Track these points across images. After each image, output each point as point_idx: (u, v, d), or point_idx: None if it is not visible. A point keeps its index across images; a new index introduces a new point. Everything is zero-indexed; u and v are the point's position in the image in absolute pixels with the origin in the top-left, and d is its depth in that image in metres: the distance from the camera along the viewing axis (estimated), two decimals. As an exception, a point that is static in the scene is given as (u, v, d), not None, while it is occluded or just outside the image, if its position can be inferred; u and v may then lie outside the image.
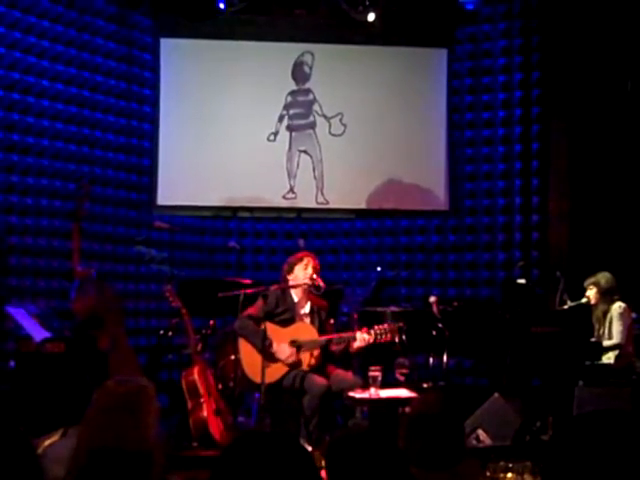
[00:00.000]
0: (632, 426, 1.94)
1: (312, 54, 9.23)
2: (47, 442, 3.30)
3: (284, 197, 9.17)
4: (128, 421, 2.76)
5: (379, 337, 5.89)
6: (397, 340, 5.98)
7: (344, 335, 6.07)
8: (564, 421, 2.04)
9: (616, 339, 6.91)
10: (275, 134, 9.18)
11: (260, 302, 6.16)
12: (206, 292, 7.05)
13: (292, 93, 9.24)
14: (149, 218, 8.57)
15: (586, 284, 7.15)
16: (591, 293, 7.09)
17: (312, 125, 9.25)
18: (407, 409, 5.24)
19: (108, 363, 6.29)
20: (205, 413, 6.16)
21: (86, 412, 2.82)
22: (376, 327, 5.93)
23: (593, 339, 6.97)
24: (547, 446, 2.03)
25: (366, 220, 9.35)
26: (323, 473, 2.38)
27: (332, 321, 6.60)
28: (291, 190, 9.16)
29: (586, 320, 7.02)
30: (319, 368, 6.04)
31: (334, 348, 6.08)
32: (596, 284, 7.08)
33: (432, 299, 7.08)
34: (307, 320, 6.21)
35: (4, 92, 7.50)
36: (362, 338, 5.89)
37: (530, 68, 8.88)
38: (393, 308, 7.54)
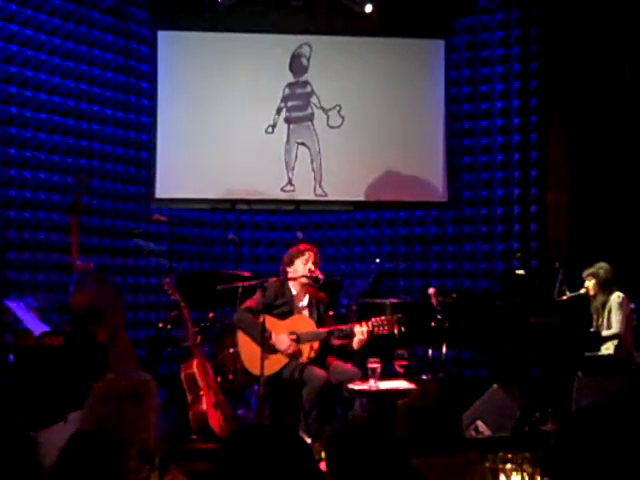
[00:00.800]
0: (632, 418, 1.95)
1: (310, 46, 9.21)
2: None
3: (282, 189, 9.16)
4: (129, 415, 2.76)
5: (376, 329, 5.88)
6: (396, 332, 5.98)
7: (342, 327, 6.07)
8: (567, 414, 2.04)
9: (615, 329, 6.91)
10: (273, 126, 9.17)
11: (258, 294, 6.16)
12: (205, 285, 7.05)
13: (290, 85, 9.23)
14: (147, 211, 8.57)
15: (584, 275, 7.15)
16: (590, 284, 7.10)
17: (310, 117, 9.24)
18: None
19: (107, 356, 6.28)
20: (204, 406, 6.16)
21: (86, 404, 2.83)
22: (373, 319, 5.92)
23: (592, 329, 6.98)
24: (551, 439, 2.04)
25: (365, 212, 9.35)
26: (323, 465, 2.38)
27: (331, 313, 6.59)
28: (289, 182, 9.15)
29: (585, 311, 7.03)
30: (318, 360, 6.04)
31: (336, 342, 6.07)
32: (595, 275, 7.08)
33: (431, 290, 7.08)
34: (305, 313, 6.20)
35: (1, 85, 7.49)
36: (360, 332, 5.88)
37: (528, 59, 8.87)
38: (392, 300, 7.54)
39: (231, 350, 6.56)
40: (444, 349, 6.84)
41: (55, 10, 7.91)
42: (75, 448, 2.39)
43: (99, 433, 2.46)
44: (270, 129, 9.15)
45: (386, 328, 5.89)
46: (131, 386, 2.84)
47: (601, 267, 7.10)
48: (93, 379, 2.90)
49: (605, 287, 7.05)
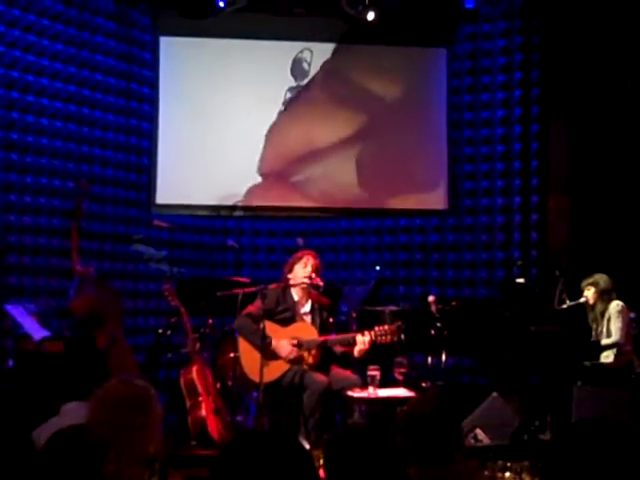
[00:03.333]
0: (628, 432, 1.95)
1: (311, 51, 9.20)
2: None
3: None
4: (128, 421, 2.76)
5: (379, 339, 5.88)
6: (396, 340, 5.98)
7: (345, 336, 6.07)
8: (563, 426, 2.06)
9: (615, 337, 6.91)
10: (274, 132, 9.17)
11: (259, 300, 6.16)
12: (205, 291, 7.05)
13: (291, 89, 9.23)
14: (148, 217, 8.55)
15: (583, 285, 7.16)
16: (589, 293, 7.10)
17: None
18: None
19: (107, 362, 6.28)
20: (203, 412, 6.16)
21: (88, 409, 2.82)
22: (376, 329, 5.92)
23: (591, 338, 6.98)
24: (546, 450, 2.04)
25: (365, 219, 9.34)
26: (322, 472, 2.38)
27: (331, 320, 6.59)
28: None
29: (585, 319, 7.03)
30: (321, 366, 6.03)
31: (338, 349, 6.07)
32: (594, 284, 7.09)
33: (431, 298, 7.08)
34: (307, 319, 6.19)
35: (3, 90, 7.49)
36: (362, 341, 5.88)
37: (529, 67, 8.88)
38: (392, 307, 7.54)
39: (231, 355, 6.56)
40: (443, 357, 6.84)
41: (58, 15, 7.92)
42: (52, 450, 2.39)
43: (77, 436, 2.45)
44: (271, 135, 9.16)
45: (388, 337, 5.89)
46: (132, 392, 2.84)
47: (600, 277, 7.11)
48: (94, 384, 2.90)
49: (604, 296, 7.06)
